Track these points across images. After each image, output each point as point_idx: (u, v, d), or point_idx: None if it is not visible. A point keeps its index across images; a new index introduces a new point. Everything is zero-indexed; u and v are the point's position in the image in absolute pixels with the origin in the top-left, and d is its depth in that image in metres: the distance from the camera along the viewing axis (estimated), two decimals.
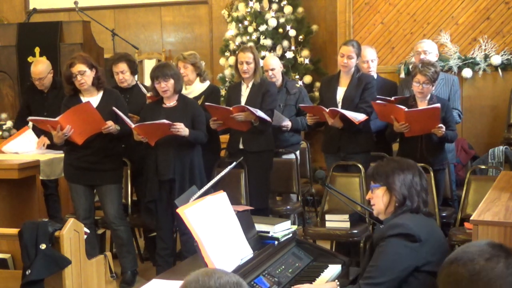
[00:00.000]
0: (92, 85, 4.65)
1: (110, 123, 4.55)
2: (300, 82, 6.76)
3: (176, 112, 4.61)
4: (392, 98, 4.99)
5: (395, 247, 2.51)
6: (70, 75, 4.58)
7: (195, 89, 5.19)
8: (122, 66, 5.15)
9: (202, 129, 4.68)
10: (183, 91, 4.95)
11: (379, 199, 2.70)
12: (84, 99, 4.66)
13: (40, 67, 5.70)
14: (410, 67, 5.96)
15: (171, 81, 4.57)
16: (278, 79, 5.54)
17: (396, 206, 2.66)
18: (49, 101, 5.68)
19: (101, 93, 4.70)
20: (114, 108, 4.57)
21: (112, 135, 4.63)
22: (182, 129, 4.47)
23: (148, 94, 5.04)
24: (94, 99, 4.67)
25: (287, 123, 5.37)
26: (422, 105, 4.64)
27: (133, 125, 4.50)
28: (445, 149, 4.81)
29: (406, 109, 4.49)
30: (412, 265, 2.51)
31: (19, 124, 5.92)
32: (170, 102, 4.67)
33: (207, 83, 5.28)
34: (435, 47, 5.29)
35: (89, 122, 4.52)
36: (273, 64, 5.54)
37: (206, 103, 4.95)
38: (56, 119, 4.52)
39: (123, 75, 5.16)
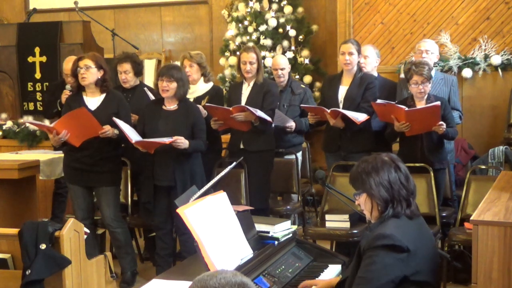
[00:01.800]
0: (96, 85, 4.64)
1: (107, 127, 4.52)
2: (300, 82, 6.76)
3: (176, 117, 4.57)
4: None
5: (382, 258, 2.44)
6: (76, 68, 4.58)
7: (198, 89, 5.18)
8: (126, 66, 5.14)
9: (202, 137, 4.62)
10: None
11: (363, 206, 2.63)
12: (86, 98, 4.66)
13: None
14: (403, 68, 5.95)
15: (174, 84, 4.52)
16: (285, 79, 5.54)
17: (379, 210, 2.58)
18: None
19: (104, 95, 4.68)
20: (114, 118, 4.51)
21: (111, 139, 4.62)
22: (182, 143, 4.43)
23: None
24: (96, 99, 4.67)
25: (291, 124, 5.36)
26: (420, 104, 4.64)
27: (133, 141, 4.43)
28: (446, 148, 4.81)
29: (407, 109, 4.49)
30: (400, 276, 2.45)
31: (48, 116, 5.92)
32: (171, 105, 4.63)
33: (210, 84, 5.28)
34: (436, 47, 5.29)
35: (85, 126, 4.50)
36: (283, 63, 5.55)
37: (206, 104, 4.95)
38: (52, 125, 4.53)
39: (126, 75, 5.15)
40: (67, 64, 5.70)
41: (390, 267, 2.43)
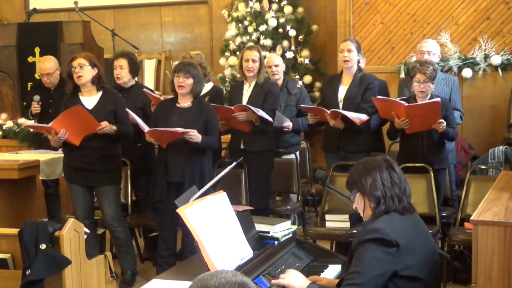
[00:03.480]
0: (92, 83, 4.64)
1: (104, 123, 4.53)
2: (299, 82, 6.76)
3: (189, 114, 4.56)
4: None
5: (371, 251, 2.48)
6: (70, 69, 4.59)
7: None
8: (122, 61, 5.14)
9: (215, 134, 4.62)
10: None
11: (358, 206, 2.70)
12: (83, 98, 4.66)
13: (48, 64, 5.74)
14: (403, 67, 5.96)
15: (190, 80, 4.51)
16: (280, 77, 5.53)
17: (372, 207, 2.64)
18: (54, 99, 5.69)
19: (100, 93, 4.69)
20: (127, 110, 4.54)
21: (109, 136, 4.62)
22: (195, 136, 4.43)
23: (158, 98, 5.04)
24: (92, 98, 4.67)
25: (288, 124, 5.36)
26: None
27: (146, 130, 4.46)
28: (446, 149, 4.81)
29: (407, 104, 4.50)
30: (390, 270, 2.48)
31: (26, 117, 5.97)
32: (185, 103, 4.62)
33: (210, 84, 5.27)
34: (438, 48, 5.29)
35: (82, 124, 4.51)
36: (277, 60, 5.55)
37: None
38: (49, 124, 4.54)
39: (121, 70, 5.14)
40: (43, 64, 5.74)
41: (379, 261, 2.47)
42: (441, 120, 4.51)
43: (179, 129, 4.38)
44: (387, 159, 2.71)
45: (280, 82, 5.53)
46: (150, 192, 4.77)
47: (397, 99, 4.74)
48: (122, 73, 5.16)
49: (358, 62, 5.00)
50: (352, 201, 2.73)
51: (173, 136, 4.45)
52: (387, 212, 2.59)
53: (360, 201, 2.68)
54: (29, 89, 6.88)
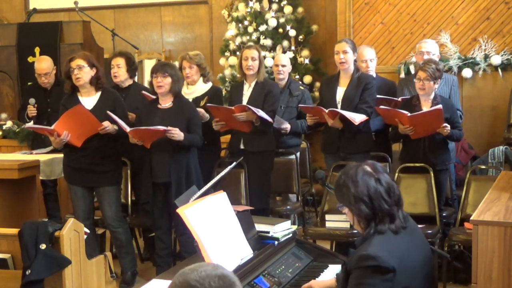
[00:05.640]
0: (91, 84, 4.64)
1: (106, 123, 4.53)
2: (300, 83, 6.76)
3: (171, 114, 4.58)
4: (399, 99, 4.99)
5: (369, 280, 2.34)
6: (68, 69, 4.59)
7: (197, 89, 5.18)
8: (119, 60, 5.16)
9: (198, 132, 4.64)
10: (186, 90, 4.95)
11: (349, 219, 2.56)
12: (82, 98, 4.66)
13: (45, 64, 5.75)
14: (413, 65, 5.95)
15: (168, 79, 4.54)
16: (285, 77, 5.53)
17: (361, 227, 2.49)
18: (52, 98, 5.70)
19: (99, 93, 4.68)
20: (108, 112, 4.53)
21: (110, 135, 4.62)
22: (177, 134, 4.45)
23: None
24: (91, 98, 4.67)
25: (286, 126, 5.36)
26: (425, 104, 4.65)
27: (128, 129, 4.47)
28: (449, 149, 4.80)
29: (409, 114, 4.49)
30: None
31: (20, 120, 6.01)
32: (166, 103, 4.63)
33: (209, 84, 5.28)
34: (437, 48, 5.30)
35: (84, 124, 4.51)
36: (284, 60, 5.55)
37: (208, 104, 4.95)
38: (52, 127, 4.53)
39: (118, 68, 5.15)
40: (40, 64, 5.75)
41: None
42: (445, 124, 4.51)
43: (161, 127, 4.40)
44: (375, 168, 2.49)
45: (283, 82, 5.52)
46: (140, 192, 4.79)
47: (403, 101, 4.73)
48: (120, 72, 5.16)
49: (355, 61, 4.99)
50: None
51: (156, 135, 4.47)
52: (380, 232, 2.44)
53: (349, 216, 2.53)
54: (25, 90, 6.89)
